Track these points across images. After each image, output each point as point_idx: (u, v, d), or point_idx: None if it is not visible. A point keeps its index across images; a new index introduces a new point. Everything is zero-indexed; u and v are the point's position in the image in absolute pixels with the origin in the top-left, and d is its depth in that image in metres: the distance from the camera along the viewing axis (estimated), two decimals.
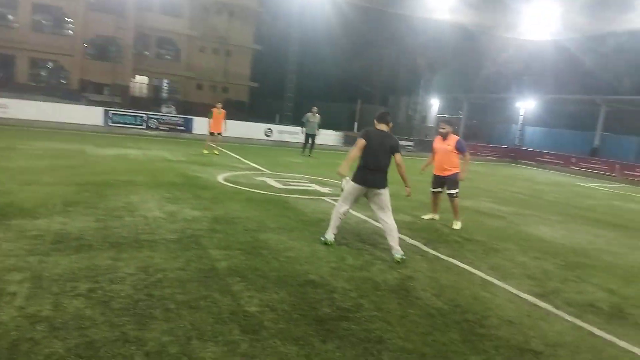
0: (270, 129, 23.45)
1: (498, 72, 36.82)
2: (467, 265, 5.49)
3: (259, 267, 4.62)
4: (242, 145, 19.94)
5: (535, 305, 4.46)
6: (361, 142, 5.48)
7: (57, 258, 4.28)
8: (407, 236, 6.55)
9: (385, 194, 5.60)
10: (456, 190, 7.44)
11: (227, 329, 3.29)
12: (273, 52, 40.83)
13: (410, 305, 4.09)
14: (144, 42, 35.46)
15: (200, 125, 21.76)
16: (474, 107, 39.31)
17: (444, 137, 7.37)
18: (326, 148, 22.78)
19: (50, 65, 31.94)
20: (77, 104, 23.86)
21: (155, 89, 37.35)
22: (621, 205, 13.17)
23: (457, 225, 7.42)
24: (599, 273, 5.82)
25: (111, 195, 7.12)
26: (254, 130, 23.19)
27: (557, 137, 32.37)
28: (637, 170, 23.18)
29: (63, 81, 32.14)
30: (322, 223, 6.78)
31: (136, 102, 32.71)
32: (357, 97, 32.52)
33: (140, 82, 36.21)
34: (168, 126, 21.11)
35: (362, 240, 6.09)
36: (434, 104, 39.70)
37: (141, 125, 20.54)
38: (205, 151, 15.01)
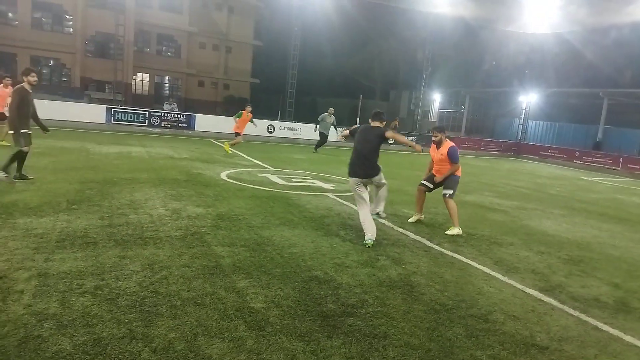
0: (272, 126, 23.42)
1: (499, 65, 36.71)
2: (471, 260, 5.50)
3: (264, 263, 4.64)
4: (244, 142, 19.95)
5: (539, 300, 4.46)
6: (345, 132, 5.99)
7: (63, 256, 4.30)
8: (411, 232, 6.56)
9: (378, 176, 5.93)
10: (451, 191, 6.90)
11: (232, 325, 3.30)
12: (273, 47, 40.79)
13: (414, 301, 4.10)
14: (144, 39, 35.42)
15: (203, 122, 21.81)
16: (476, 102, 39.24)
17: (438, 145, 7.04)
18: (328, 144, 22.76)
19: (51, 63, 31.94)
20: (79, 102, 23.87)
21: (156, 86, 37.34)
22: (625, 199, 13.14)
23: (453, 230, 6.74)
24: (604, 267, 5.82)
25: (115, 193, 7.14)
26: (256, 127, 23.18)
27: (559, 131, 32.29)
28: None
29: (64, 79, 32.15)
30: (325, 219, 6.79)
31: (138, 100, 32.74)
32: (359, 93, 32.44)
33: (141, 80, 36.21)
34: (170, 123, 21.11)
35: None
36: (436, 99, 39.61)
37: (143, 122, 20.55)
38: (228, 150, 15.00)
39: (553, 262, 5.81)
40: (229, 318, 3.41)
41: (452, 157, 6.85)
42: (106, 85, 32.02)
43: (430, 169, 7.31)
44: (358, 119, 29.65)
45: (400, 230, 6.63)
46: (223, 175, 9.88)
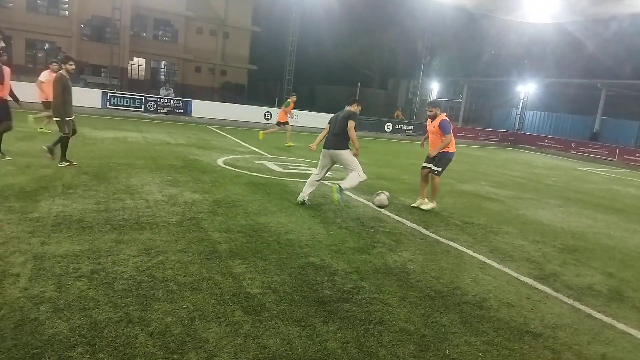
0: (269, 112, 23.33)
1: (499, 55, 36.55)
2: (467, 248, 5.52)
3: (260, 249, 4.64)
4: (242, 128, 19.88)
5: (534, 287, 4.50)
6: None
7: (59, 240, 4.29)
8: (408, 220, 6.58)
9: (344, 154, 6.69)
10: (440, 169, 7.33)
11: (229, 310, 3.32)
12: (272, 34, 40.48)
13: (410, 288, 4.13)
14: (140, 23, 35.05)
15: (199, 108, 21.68)
16: (474, 91, 39.15)
17: (432, 118, 7.43)
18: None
19: (46, 46, 31.58)
20: (75, 86, 23.63)
21: (153, 71, 37.05)
22: (620, 190, 13.20)
23: (428, 205, 7.35)
24: (598, 256, 5.87)
25: (111, 178, 7.11)
26: (253, 113, 23.10)
27: (557, 122, 32.32)
28: (637, 155, 23.20)
29: None
30: (322, 206, 6.80)
31: (134, 85, 32.49)
32: (357, 80, 32.30)
33: (138, 64, 35.90)
34: (167, 109, 20.98)
35: (362, 223, 6.11)
36: (434, 88, 39.49)
37: (140, 108, 20.41)
38: (261, 136, 15.01)
39: (548, 251, 5.85)
40: (226, 303, 3.42)
41: (443, 129, 7.22)
42: (102, 69, 31.71)
43: (425, 139, 7.95)
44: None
45: (397, 218, 6.65)
46: (220, 162, 9.85)
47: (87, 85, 27.96)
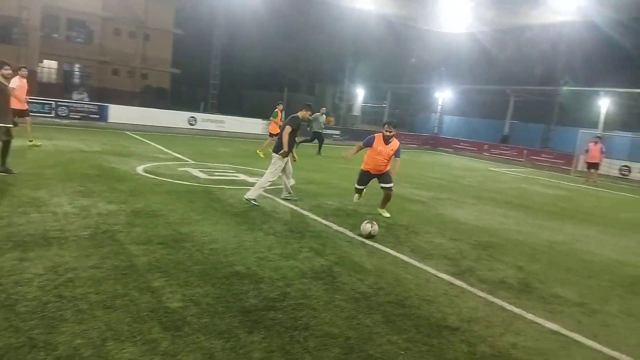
0: (194, 118, 22.66)
1: (419, 63, 38.35)
2: (390, 249, 5.69)
3: (182, 261, 4.47)
4: (164, 134, 19.11)
5: (451, 283, 4.73)
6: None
7: None
8: (334, 223, 6.65)
9: (273, 157, 7.52)
10: (392, 184, 7.40)
11: (146, 328, 3.14)
12: (196, 37, 39.40)
13: (336, 291, 4.17)
14: (52, 23, 32.65)
15: (117, 113, 20.56)
16: (396, 97, 40.74)
17: (387, 140, 7.18)
18: (253, 137, 22.51)
19: None
20: None
21: (65, 74, 34.62)
22: (528, 188, 14.31)
23: (387, 212, 7.50)
24: (509, 251, 6.29)
25: (15, 190, 6.52)
26: (176, 118, 22.27)
27: (472, 126, 34.44)
28: (542, 155, 25.32)
29: None
30: (249, 213, 6.69)
31: (45, 89, 30.14)
32: (284, 86, 32.33)
33: (49, 67, 33.39)
34: (80, 114, 19.66)
35: (290, 229, 6.09)
36: (359, 93, 40.54)
37: (50, 113, 18.96)
38: (261, 154, 14.24)
39: (464, 248, 6.18)
40: (142, 320, 3.24)
41: (398, 154, 7.28)
42: None
43: (355, 153, 7.64)
44: (284, 112, 29.55)
45: (324, 222, 6.70)
46: (139, 170, 9.38)
47: None
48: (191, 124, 22.35)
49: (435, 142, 31.70)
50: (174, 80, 41.01)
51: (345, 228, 6.46)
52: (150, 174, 9.07)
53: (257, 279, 4.22)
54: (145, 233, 5.19)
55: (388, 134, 7.14)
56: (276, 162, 7.44)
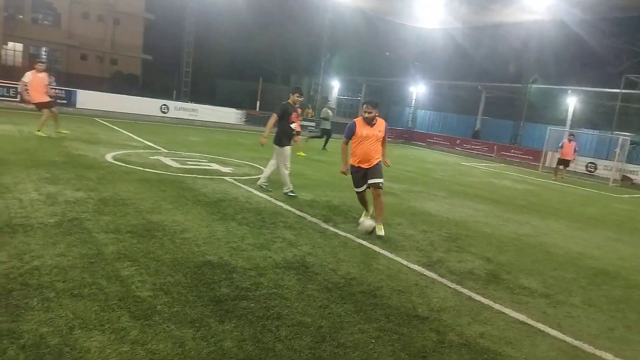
0: (166, 105, 22.22)
1: (393, 56, 38.58)
2: (363, 240, 5.74)
3: (152, 250, 4.39)
4: (135, 122, 18.68)
5: (422, 274, 4.81)
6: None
7: None
8: (308, 214, 6.66)
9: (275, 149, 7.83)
10: (383, 179, 6.19)
11: (115, 316, 3.08)
12: (169, 22, 38.49)
13: (308, 281, 4.18)
14: (16, 3, 31.34)
15: (86, 99, 20.00)
16: (372, 90, 40.94)
17: (370, 122, 6.00)
18: (227, 127, 22.26)
19: None
20: None
21: (32, 57, 33.34)
22: (497, 182, 14.65)
23: (382, 230, 6.01)
24: (478, 243, 6.44)
25: None
26: (148, 106, 21.81)
27: (444, 120, 35.00)
28: (512, 151, 25.95)
29: None
30: (222, 203, 6.63)
31: (9, 72, 28.96)
32: (259, 76, 32.02)
33: (14, 50, 32.10)
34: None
35: (263, 219, 6.06)
36: (335, 86, 40.55)
37: (15, 97, 18.26)
38: (302, 153, 13.96)
39: (434, 239, 6.30)
40: (111, 309, 3.17)
41: (386, 133, 6.18)
42: None
43: (356, 156, 6.15)
44: (258, 102, 29.32)
45: (298, 212, 6.70)
46: (108, 157, 9.15)
47: None
48: (163, 112, 21.93)
49: (409, 136, 32.06)
50: (146, 67, 40.07)
51: (319, 219, 6.47)
52: (120, 161, 8.86)
53: (229, 269, 4.19)
54: (114, 221, 5.07)
55: (368, 114, 5.96)
56: (280, 153, 7.70)
